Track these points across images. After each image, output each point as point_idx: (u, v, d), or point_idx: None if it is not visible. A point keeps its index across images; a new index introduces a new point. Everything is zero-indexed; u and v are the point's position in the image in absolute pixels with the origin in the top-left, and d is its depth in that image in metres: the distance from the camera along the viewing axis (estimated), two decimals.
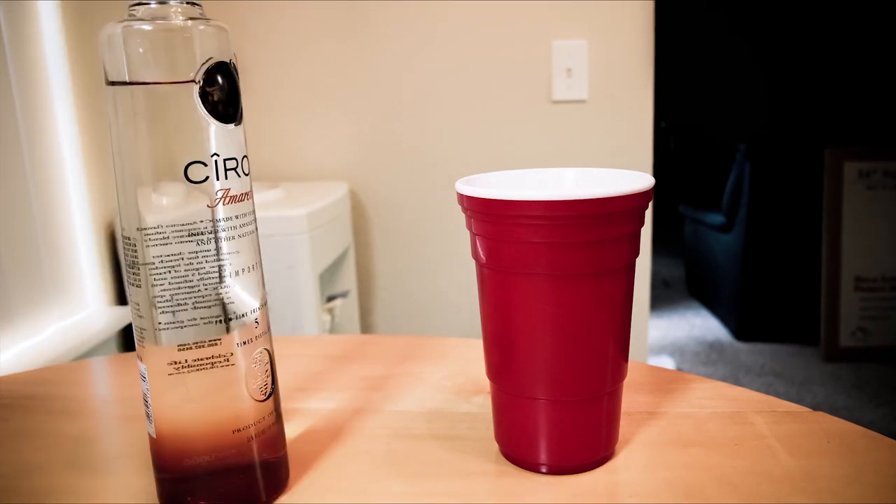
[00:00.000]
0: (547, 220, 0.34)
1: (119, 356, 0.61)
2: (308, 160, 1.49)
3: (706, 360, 2.53)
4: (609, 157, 1.44)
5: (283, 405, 0.48)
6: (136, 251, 0.33)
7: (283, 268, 1.09)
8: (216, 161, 0.33)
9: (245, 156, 0.35)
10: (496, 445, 0.41)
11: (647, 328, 1.52)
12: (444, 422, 0.45)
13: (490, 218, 0.36)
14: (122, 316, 1.06)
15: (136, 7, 0.32)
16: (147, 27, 0.31)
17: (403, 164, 1.48)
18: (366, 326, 1.55)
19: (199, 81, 0.32)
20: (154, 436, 0.35)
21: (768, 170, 2.53)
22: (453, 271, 1.51)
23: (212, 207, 0.33)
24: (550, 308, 0.36)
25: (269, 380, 0.36)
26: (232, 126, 0.33)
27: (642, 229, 0.38)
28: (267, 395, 0.36)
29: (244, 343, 0.34)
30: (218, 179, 0.33)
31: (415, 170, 1.48)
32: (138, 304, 0.33)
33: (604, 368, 0.37)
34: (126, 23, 0.31)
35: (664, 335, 2.80)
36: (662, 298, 3.28)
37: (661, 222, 3.64)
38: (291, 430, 0.44)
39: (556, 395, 0.37)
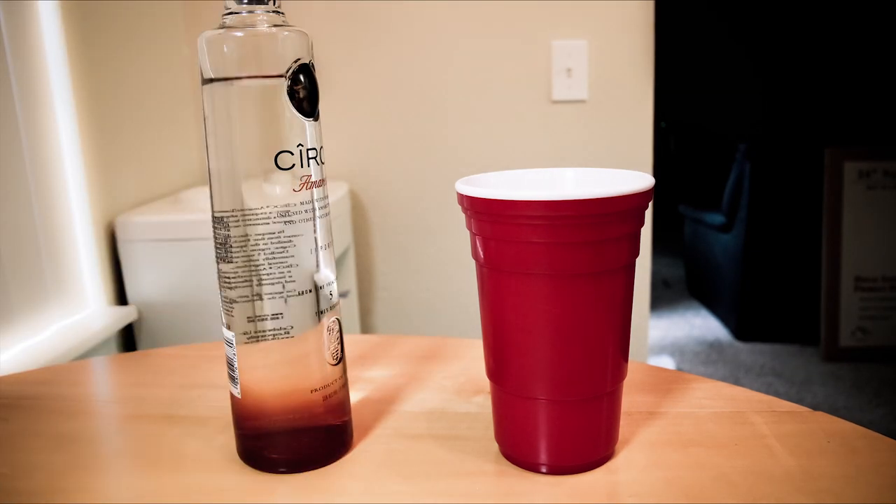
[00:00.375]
0: (547, 220, 0.34)
1: (119, 356, 0.61)
2: None
3: (706, 360, 2.53)
4: (609, 157, 1.44)
5: None
6: (227, 229, 0.37)
7: None
8: (300, 151, 0.37)
9: (322, 146, 0.40)
10: (496, 445, 0.41)
11: (647, 328, 1.52)
12: (444, 422, 0.45)
13: (490, 218, 0.36)
14: (122, 316, 1.06)
15: (228, 16, 0.37)
16: (239, 34, 0.36)
17: (403, 164, 1.48)
18: (366, 326, 1.55)
19: (288, 80, 0.37)
20: (238, 396, 0.39)
21: (768, 170, 2.53)
22: (453, 271, 1.51)
23: (297, 191, 0.37)
24: (550, 308, 0.36)
25: (340, 347, 0.40)
26: (311, 120, 0.38)
27: (642, 229, 0.38)
28: (338, 360, 0.40)
29: (322, 312, 0.39)
30: (302, 167, 0.37)
31: (415, 170, 1.48)
32: (228, 278, 0.38)
33: (604, 368, 0.37)
34: (220, 30, 0.36)
35: (664, 335, 2.80)
36: (662, 298, 3.29)
37: (661, 222, 3.64)
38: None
39: (555, 395, 0.37)
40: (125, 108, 1.19)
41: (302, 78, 0.37)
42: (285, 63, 0.36)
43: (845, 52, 4.34)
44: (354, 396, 0.50)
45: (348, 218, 1.42)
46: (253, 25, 0.36)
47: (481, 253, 0.38)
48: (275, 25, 0.37)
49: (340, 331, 0.41)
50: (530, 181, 0.43)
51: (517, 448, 0.39)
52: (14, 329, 0.92)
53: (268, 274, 0.37)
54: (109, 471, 0.41)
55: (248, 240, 0.37)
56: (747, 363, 2.48)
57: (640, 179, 0.37)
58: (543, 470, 0.38)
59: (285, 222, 0.37)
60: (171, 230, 1.09)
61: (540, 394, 0.37)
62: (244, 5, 0.36)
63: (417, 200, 1.49)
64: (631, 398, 0.47)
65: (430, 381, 0.52)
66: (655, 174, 1.39)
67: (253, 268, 0.37)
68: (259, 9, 0.37)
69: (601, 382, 0.37)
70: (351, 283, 1.43)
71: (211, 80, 0.36)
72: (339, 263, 1.38)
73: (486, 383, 0.51)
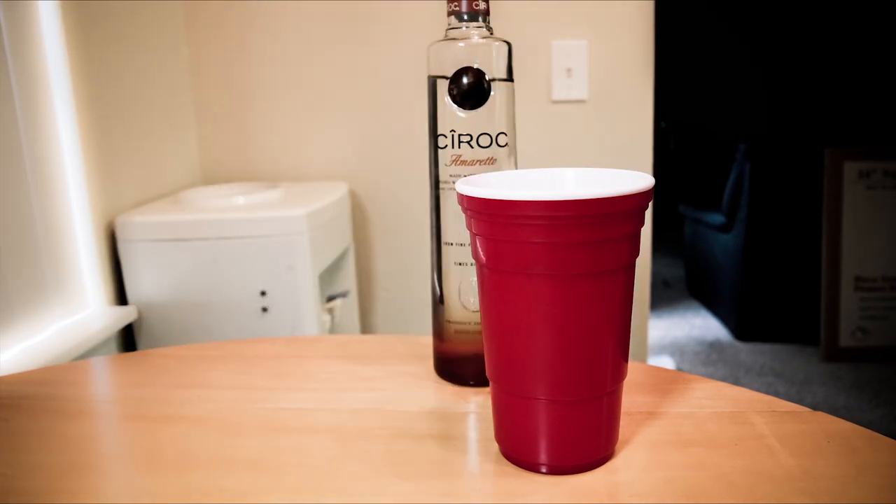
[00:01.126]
0: (547, 220, 0.34)
1: (119, 356, 0.61)
2: (308, 160, 1.49)
3: (706, 360, 2.53)
4: (609, 157, 1.44)
5: (281, 406, 0.48)
6: (437, 196, 0.50)
7: (283, 268, 1.09)
8: (452, 135, 0.49)
9: (484, 133, 0.49)
10: (496, 445, 0.41)
11: (647, 328, 1.52)
12: (444, 422, 0.45)
13: (490, 218, 0.36)
14: (122, 316, 1.06)
15: (451, 31, 0.49)
16: (461, 44, 0.49)
17: (403, 164, 1.48)
18: (366, 326, 1.55)
19: (449, 78, 0.49)
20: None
21: (768, 170, 2.53)
22: None
23: (447, 166, 0.49)
24: (550, 308, 0.36)
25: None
26: (463, 112, 0.49)
27: (642, 229, 0.38)
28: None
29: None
30: (452, 148, 0.48)
31: (415, 170, 1.48)
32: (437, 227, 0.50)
33: (604, 368, 0.37)
34: (444, 41, 0.49)
35: (664, 335, 2.80)
36: (662, 298, 3.29)
37: (661, 222, 3.63)
38: (290, 430, 0.44)
39: (556, 395, 0.37)
40: (125, 108, 1.19)
41: (463, 79, 0.49)
42: (453, 66, 0.49)
43: (845, 53, 4.34)
44: (354, 396, 0.50)
45: (348, 218, 1.42)
46: (466, 38, 0.49)
47: (481, 253, 0.38)
48: (483, 37, 0.49)
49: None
50: (530, 181, 0.43)
51: (517, 448, 0.39)
52: (14, 329, 0.92)
53: (444, 231, 0.50)
54: (109, 471, 0.41)
55: (435, 203, 0.50)
56: (747, 363, 2.48)
57: (640, 179, 0.37)
58: (543, 470, 0.38)
59: (440, 189, 0.49)
60: (171, 230, 1.09)
61: (540, 394, 0.37)
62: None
63: (418, 200, 1.49)
64: (631, 398, 0.47)
65: (429, 380, 0.52)
66: (655, 174, 1.39)
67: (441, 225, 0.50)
68: (472, 25, 0.50)
69: (601, 382, 0.37)
70: (351, 283, 1.43)
71: (435, 77, 0.50)
72: (339, 263, 1.38)
73: (485, 383, 0.51)
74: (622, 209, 0.34)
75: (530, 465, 0.39)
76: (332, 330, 1.26)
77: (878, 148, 2.43)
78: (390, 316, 1.55)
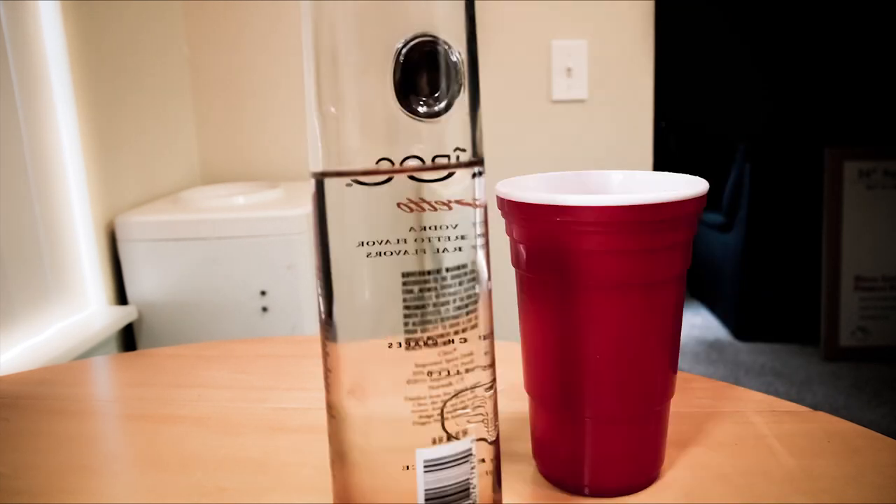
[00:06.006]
0: (600, 226, 0.32)
1: (119, 356, 0.61)
2: (308, 160, 1.49)
3: (706, 359, 2.53)
4: (609, 157, 1.44)
5: (281, 406, 0.48)
6: None
7: (283, 268, 1.09)
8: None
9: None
10: (534, 463, 0.40)
11: None
12: None
13: (535, 224, 0.33)
14: (123, 316, 1.06)
15: None
16: None
17: None
18: None
19: None
20: None
21: (768, 170, 2.53)
22: None
23: None
24: (598, 321, 0.33)
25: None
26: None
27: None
28: None
29: None
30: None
31: None
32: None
33: (653, 385, 0.35)
34: None
35: None
36: None
37: None
38: (290, 430, 0.44)
39: (603, 414, 0.35)
40: (125, 108, 1.19)
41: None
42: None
43: (845, 52, 4.34)
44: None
45: None
46: None
47: (524, 261, 0.35)
48: None
49: None
50: (574, 183, 0.40)
51: (558, 468, 0.37)
52: (15, 329, 0.92)
53: None
54: (109, 471, 0.41)
55: None
56: (747, 363, 2.48)
57: (693, 184, 0.35)
58: (587, 492, 0.36)
59: None
60: (171, 230, 1.09)
61: (587, 412, 0.35)
62: None
63: None
64: None
65: None
66: None
67: None
68: None
69: (651, 400, 0.35)
70: None
71: None
72: None
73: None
74: (677, 215, 0.32)
75: (573, 487, 0.36)
76: None
77: (878, 148, 2.43)
78: None
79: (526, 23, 1.40)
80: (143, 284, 1.11)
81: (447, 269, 0.26)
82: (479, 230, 0.28)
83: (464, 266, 0.27)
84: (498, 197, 0.35)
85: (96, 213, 1.09)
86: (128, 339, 1.14)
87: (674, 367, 0.36)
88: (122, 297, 1.14)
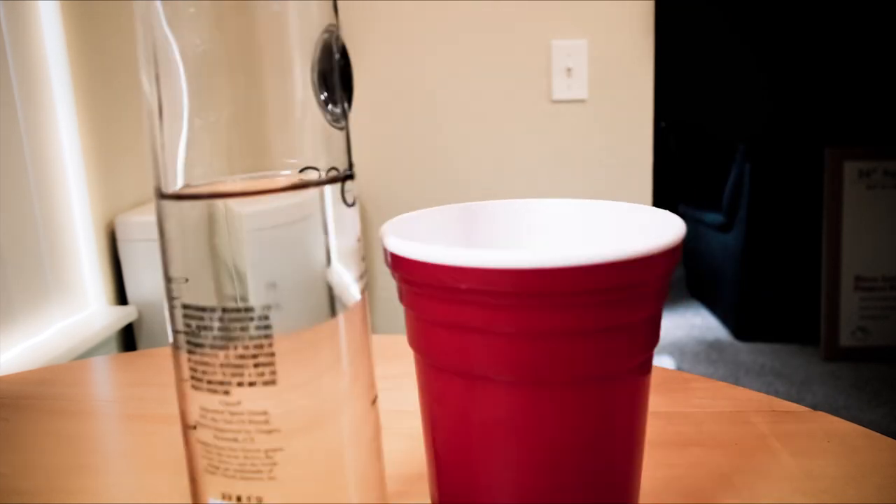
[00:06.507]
0: (513, 297, 0.21)
1: (119, 356, 0.61)
2: None
3: (706, 360, 2.53)
4: (609, 157, 1.44)
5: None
6: None
7: None
8: None
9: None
10: None
11: None
12: None
13: (430, 291, 0.23)
14: (123, 316, 1.06)
15: None
16: None
17: (403, 164, 1.48)
18: None
19: None
20: None
21: (768, 170, 2.53)
22: None
23: None
24: (519, 430, 0.23)
25: None
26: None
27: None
28: None
29: None
30: None
31: (415, 170, 1.48)
32: None
33: None
34: None
35: (664, 335, 2.80)
36: None
37: None
38: None
39: None
40: (125, 108, 1.19)
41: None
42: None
43: (845, 53, 4.34)
44: None
45: None
46: None
47: (420, 341, 0.25)
48: None
49: None
50: (503, 218, 0.29)
51: None
52: (15, 329, 0.92)
53: None
54: (109, 471, 0.41)
55: None
56: (747, 363, 2.48)
57: (664, 228, 0.24)
58: None
59: None
60: None
61: None
62: None
63: (416, 200, 1.49)
64: None
65: None
66: (655, 174, 1.39)
67: None
68: None
69: None
70: None
71: None
72: None
73: None
74: (631, 280, 0.22)
75: None
76: None
77: (878, 148, 2.43)
78: (390, 316, 1.55)
79: (526, 23, 1.40)
80: (143, 284, 1.11)
81: None
82: None
83: None
84: (385, 249, 0.26)
85: (96, 213, 1.09)
86: (128, 339, 1.14)
87: (634, 485, 0.27)
88: (122, 297, 1.14)
